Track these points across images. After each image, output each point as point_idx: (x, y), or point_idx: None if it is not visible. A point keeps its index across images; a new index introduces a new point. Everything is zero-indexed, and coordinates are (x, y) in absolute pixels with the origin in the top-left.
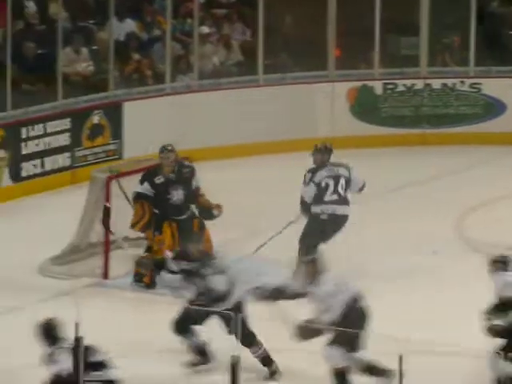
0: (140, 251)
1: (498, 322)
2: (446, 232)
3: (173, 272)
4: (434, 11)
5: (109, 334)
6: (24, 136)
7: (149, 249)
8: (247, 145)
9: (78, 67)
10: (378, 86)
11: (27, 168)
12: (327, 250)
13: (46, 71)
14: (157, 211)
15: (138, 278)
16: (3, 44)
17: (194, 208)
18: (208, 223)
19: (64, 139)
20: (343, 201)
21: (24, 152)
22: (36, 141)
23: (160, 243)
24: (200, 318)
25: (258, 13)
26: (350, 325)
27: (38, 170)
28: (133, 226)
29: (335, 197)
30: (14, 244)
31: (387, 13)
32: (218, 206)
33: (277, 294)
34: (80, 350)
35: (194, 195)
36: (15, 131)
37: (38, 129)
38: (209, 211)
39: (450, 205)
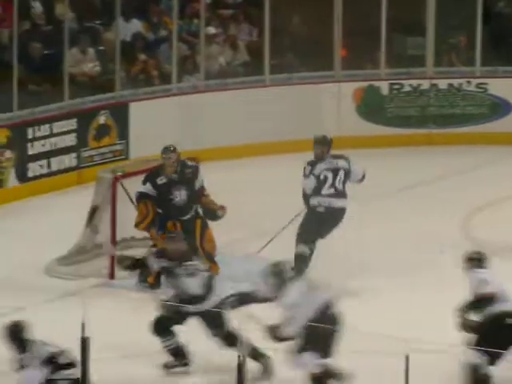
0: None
1: (473, 318)
2: (453, 232)
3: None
4: (441, 11)
5: (115, 334)
6: (30, 136)
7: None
8: (253, 145)
9: (84, 67)
10: (384, 86)
11: (33, 168)
12: (326, 247)
13: (53, 72)
14: (160, 211)
15: (143, 278)
16: (9, 44)
17: (198, 208)
18: (213, 223)
19: (70, 139)
20: (340, 194)
21: (30, 152)
22: (42, 141)
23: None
24: (178, 319)
25: (265, 13)
26: (321, 331)
27: (45, 171)
28: (136, 225)
29: (332, 190)
30: (20, 244)
31: (393, 13)
32: (222, 207)
33: (246, 298)
34: (87, 351)
35: (197, 195)
36: (21, 132)
37: (44, 129)
38: (213, 212)
39: (456, 205)
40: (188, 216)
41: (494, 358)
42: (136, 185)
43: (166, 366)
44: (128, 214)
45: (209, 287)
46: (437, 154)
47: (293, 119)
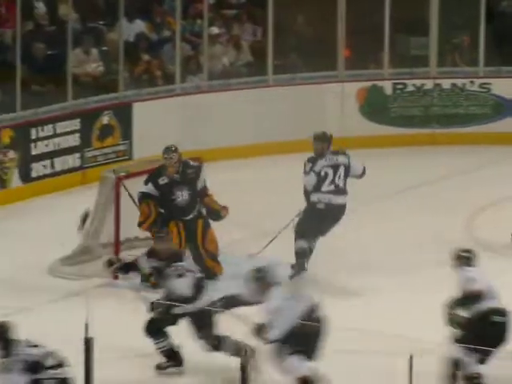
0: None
1: (461, 314)
2: (456, 232)
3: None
4: (444, 11)
5: (119, 334)
6: (34, 137)
7: None
8: (257, 145)
9: (87, 68)
10: (387, 86)
11: (37, 169)
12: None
13: (56, 72)
14: (162, 211)
15: (144, 278)
16: (13, 45)
17: (201, 208)
18: (216, 223)
19: (74, 140)
20: (341, 191)
21: (34, 153)
22: (46, 141)
23: None
24: (170, 320)
25: (268, 13)
26: (307, 334)
27: (48, 171)
28: (139, 225)
29: (332, 187)
30: (23, 245)
31: (397, 13)
32: (225, 208)
33: (235, 301)
34: (91, 351)
35: (199, 195)
36: (25, 132)
37: (47, 129)
38: (216, 212)
39: (459, 205)
40: (190, 216)
41: (482, 357)
42: (140, 185)
43: (159, 367)
44: (132, 214)
45: (198, 288)
46: (440, 153)
47: (296, 119)
